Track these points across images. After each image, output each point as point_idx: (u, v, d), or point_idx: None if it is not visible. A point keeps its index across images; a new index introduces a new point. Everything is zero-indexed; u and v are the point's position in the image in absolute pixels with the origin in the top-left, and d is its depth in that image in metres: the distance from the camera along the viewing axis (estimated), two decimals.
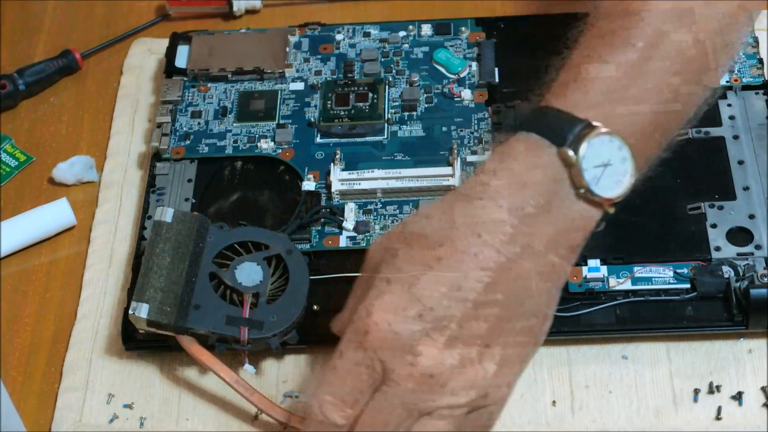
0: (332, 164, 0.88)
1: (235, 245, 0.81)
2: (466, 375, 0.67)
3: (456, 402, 0.68)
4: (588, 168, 0.69)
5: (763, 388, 0.78)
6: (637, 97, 0.70)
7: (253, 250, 0.81)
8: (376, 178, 0.87)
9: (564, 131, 0.69)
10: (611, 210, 0.70)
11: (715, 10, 0.73)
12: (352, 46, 0.96)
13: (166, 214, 0.81)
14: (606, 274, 0.81)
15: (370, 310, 0.68)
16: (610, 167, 0.69)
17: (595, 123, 0.69)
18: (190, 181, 0.89)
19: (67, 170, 0.92)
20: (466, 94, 0.92)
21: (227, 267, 0.80)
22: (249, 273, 0.80)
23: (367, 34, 0.97)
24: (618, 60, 0.71)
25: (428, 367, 0.67)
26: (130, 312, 0.78)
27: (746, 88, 0.89)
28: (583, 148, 0.69)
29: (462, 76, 0.93)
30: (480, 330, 0.67)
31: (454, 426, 0.68)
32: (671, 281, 0.80)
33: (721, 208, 0.83)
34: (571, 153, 0.69)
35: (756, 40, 0.92)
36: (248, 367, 0.79)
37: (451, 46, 0.95)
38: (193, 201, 0.88)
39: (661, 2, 0.71)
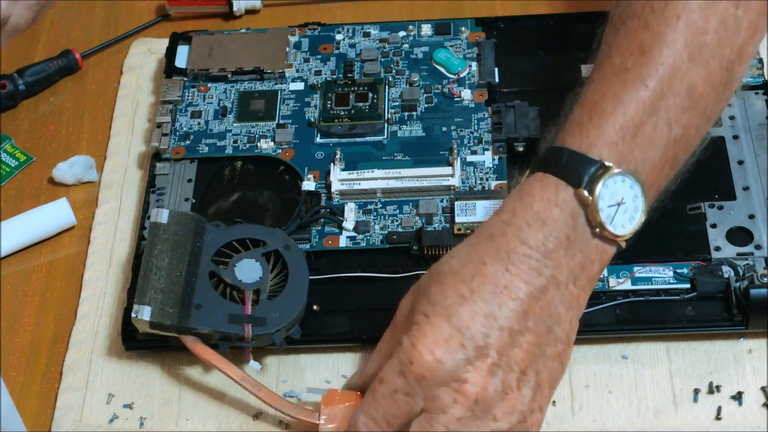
0: (332, 164, 0.88)
1: (233, 243, 0.82)
2: (507, 401, 0.70)
3: (498, 428, 0.70)
4: (603, 208, 0.71)
5: (763, 388, 0.78)
6: (650, 135, 0.72)
7: (251, 247, 0.81)
8: (376, 178, 0.87)
9: (580, 172, 0.71)
10: (624, 245, 0.73)
11: (732, 33, 0.74)
12: (352, 46, 0.96)
13: (161, 215, 0.81)
14: (606, 274, 0.81)
15: (414, 341, 0.70)
16: (624, 205, 0.72)
17: (608, 163, 0.71)
18: (190, 181, 0.89)
19: (67, 170, 0.92)
20: (466, 94, 0.92)
21: (226, 265, 0.80)
22: (248, 270, 0.80)
23: (367, 34, 0.97)
24: (632, 98, 0.72)
25: (473, 394, 0.69)
26: (133, 315, 0.78)
27: (746, 88, 0.89)
28: (598, 188, 0.71)
29: (462, 76, 0.93)
30: (516, 357, 0.70)
31: None
32: (671, 281, 0.80)
33: (721, 208, 0.83)
34: (586, 194, 0.71)
35: None
36: (253, 364, 0.79)
37: (451, 46, 0.95)
38: (193, 201, 0.87)
39: (676, 38, 0.73)
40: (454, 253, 0.73)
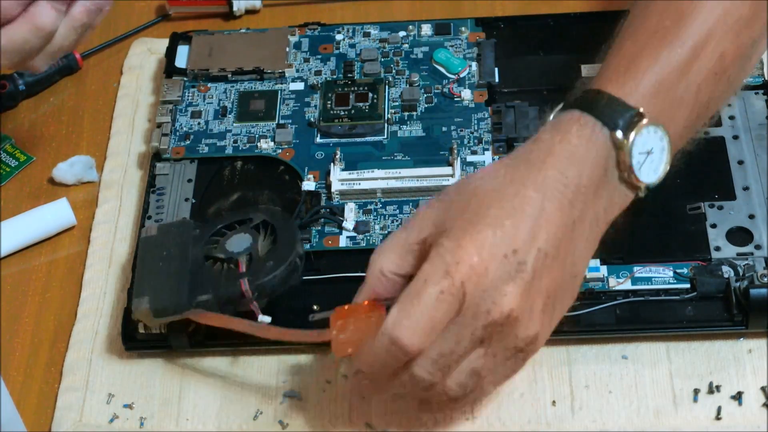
0: (332, 164, 0.88)
1: (222, 229, 0.82)
2: (531, 321, 0.70)
3: (515, 344, 0.71)
4: (635, 154, 0.73)
5: (763, 388, 0.78)
6: (680, 95, 0.75)
7: (238, 227, 0.82)
8: (376, 178, 0.87)
9: (617, 116, 0.73)
10: (643, 194, 0.74)
11: (763, 9, 0.77)
12: (352, 46, 0.96)
13: (151, 230, 0.82)
14: (606, 274, 0.81)
15: (461, 242, 0.70)
16: (652, 155, 0.74)
17: (642, 110, 0.73)
18: (190, 181, 0.89)
19: (67, 170, 0.92)
20: (466, 94, 0.92)
21: (217, 248, 0.81)
22: (238, 242, 0.80)
23: (367, 34, 0.97)
24: (668, 56, 0.74)
25: (507, 308, 0.69)
26: (133, 308, 0.78)
27: (746, 88, 0.89)
28: (632, 134, 0.73)
29: (462, 76, 0.93)
30: (546, 282, 0.71)
31: (502, 363, 0.72)
32: (671, 281, 0.80)
33: (721, 208, 0.83)
34: (621, 137, 0.72)
35: None
36: (263, 318, 0.78)
37: (451, 46, 0.95)
38: (193, 201, 0.87)
39: (715, 6, 0.76)
40: (491, 173, 0.73)
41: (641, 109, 0.73)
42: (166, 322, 0.79)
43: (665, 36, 0.75)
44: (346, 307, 0.74)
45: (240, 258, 0.79)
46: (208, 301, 0.78)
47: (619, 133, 0.72)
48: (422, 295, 0.69)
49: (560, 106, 0.75)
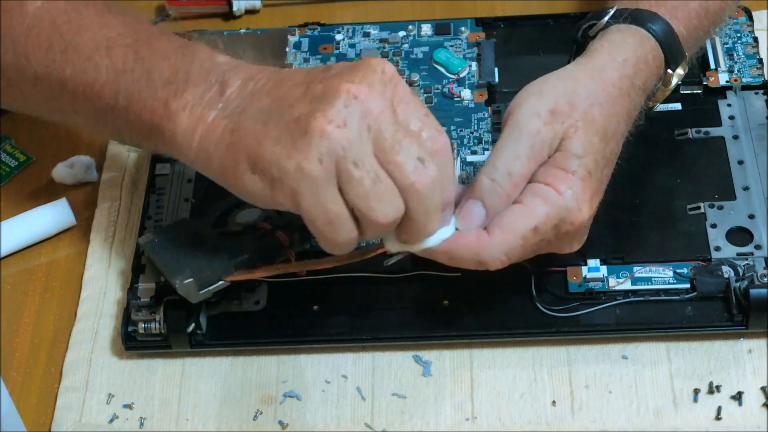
0: None
1: (222, 215, 0.82)
2: (591, 211, 0.75)
3: (572, 249, 0.77)
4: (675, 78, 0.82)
5: (763, 388, 0.78)
6: (696, 38, 0.83)
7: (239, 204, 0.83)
8: None
9: (678, 51, 0.81)
10: (653, 109, 0.84)
11: None
12: (352, 46, 0.96)
13: (148, 236, 0.81)
14: (606, 274, 0.81)
15: (581, 205, 0.74)
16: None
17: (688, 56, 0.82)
18: (189, 181, 0.89)
19: (67, 170, 0.92)
20: (466, 94, 0.92)
21: (227, 225, 0.81)
22: (247, 214, 0.82)
23: (367, 34, 0.97)
24: (704, 5, 0.83)
25: (580, 222, 0.74)
26: (177, 285, 0.77)
27: (746, 88, 0.89)
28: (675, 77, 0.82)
29: (462, 76, 0.93)
30: (602, 169, 0.76)
31: (558, 247, 0.76)
32: (671, 281, 0.80)
33: (721, 208, 0.83)
34: (670, 72, 0.81)
35: (756, 40, 0.92)
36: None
37: (451, 46, 0.95)
38: (193, 201, 0.87)
39: None
40: (595, 96, 0.76)
41: (688, 56, 0.82)
42: (209, 295, 0.78)
43: None
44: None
45: (258, 222, 0.80)
46: (247, 261, 0.78)
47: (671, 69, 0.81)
48: (528, 241, 0.74)
49: (624, 20, 0.81)
